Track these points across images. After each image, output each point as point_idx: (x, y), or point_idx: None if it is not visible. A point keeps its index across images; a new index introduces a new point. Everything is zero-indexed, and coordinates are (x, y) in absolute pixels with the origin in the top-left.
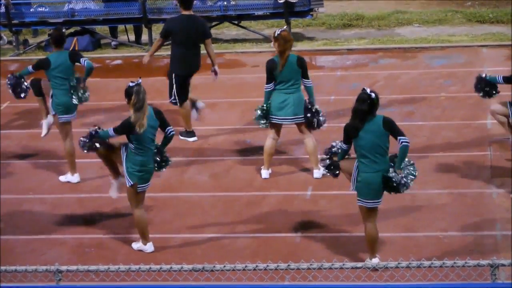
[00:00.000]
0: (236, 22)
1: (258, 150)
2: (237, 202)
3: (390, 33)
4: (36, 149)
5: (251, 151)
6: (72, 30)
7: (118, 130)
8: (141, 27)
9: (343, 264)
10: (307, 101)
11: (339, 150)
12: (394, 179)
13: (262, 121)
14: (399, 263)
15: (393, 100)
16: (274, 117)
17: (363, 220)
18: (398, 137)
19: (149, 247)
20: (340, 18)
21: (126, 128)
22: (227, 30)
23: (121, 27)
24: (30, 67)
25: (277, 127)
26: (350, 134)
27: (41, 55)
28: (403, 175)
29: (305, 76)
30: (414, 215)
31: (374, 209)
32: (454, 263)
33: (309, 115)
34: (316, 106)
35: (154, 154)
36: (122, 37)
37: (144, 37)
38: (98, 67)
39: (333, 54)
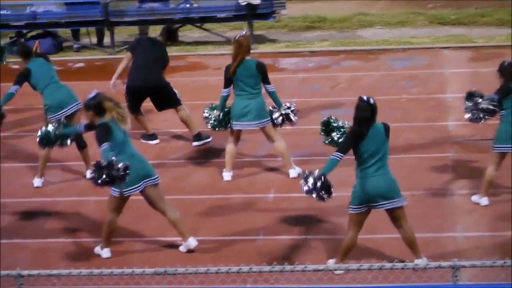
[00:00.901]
0: (198, 24)
1: (221, 152)
2: (200, 205)
3: (352, 35)
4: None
5: (213, 154)
6: (34, 33)
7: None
8: (103, 30)
9: (305, 267)
10: (271, 107)
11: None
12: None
13: (209, 122)
14: (360, 266)
15: (355, 102)
16: (237, 123)
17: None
18: None
19: (106, 253)
20: (303, 20)
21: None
22: (190, 33)
23: (83, 29)
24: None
25: (238, 132)
26: (356, 141)
27: None
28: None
29: (265, 81)
30: (376, 217)
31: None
32: (416, 265)
33: (276, 115)
34: (287, 105)
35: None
36: (85, 40)
37: (107, 40)
38: (60, 70)
39: (295, 56)
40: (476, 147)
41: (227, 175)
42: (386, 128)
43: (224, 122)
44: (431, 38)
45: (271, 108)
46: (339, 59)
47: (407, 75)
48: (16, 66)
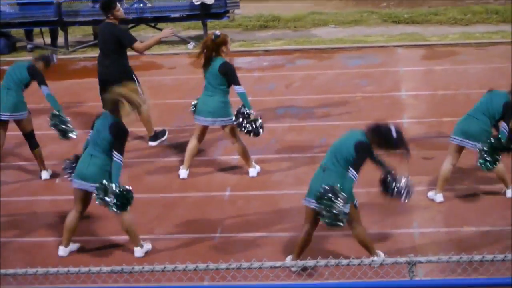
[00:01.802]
0: (152, 24)
1: (176, 152)
2: (156, 203)
3: (307, 34)
4: None
5: (169, 153)
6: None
7: None
8: (57, 30)
9: (262, 264)
10: (240, 106)
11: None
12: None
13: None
14: (317, 262)
15: (309, 101)
16: (196, 117)
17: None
18: None
19: (60, 251)
20: (257, 19)
21: None
22: (144, 33)
23: (36, 30)
24: None
25: (200, 128)
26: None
27: None
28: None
29: (232, 82)
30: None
31: None
32: (372, 261)
33: (240, 119)
34: (252, 112)
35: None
36: (38, 40)
37: (61, 40)
38: None
39: (250, 55)
40: (431, 144)
41: (183, 173)
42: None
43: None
44: (385, 36)
45: (240, 110)
46: (293, 58)
47: (362, 74)
48: None
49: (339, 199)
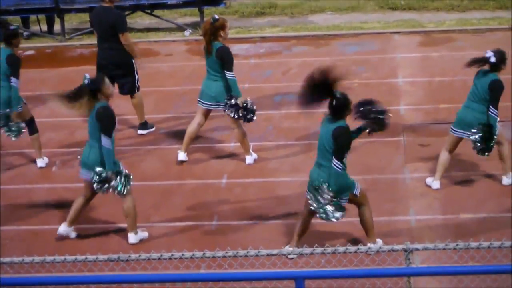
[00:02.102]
0: (149, 11)
1: (173, 139)
2: (152, 191)
3: (303, 21)
4: None
5: (165, 140)
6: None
7: None
8: (53, 17)
9: (259, 252)
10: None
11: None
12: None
13: None
14: (314, 250)
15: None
16: (198, 100)
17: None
18: None
19: (61, 228)
20: (253, 6)
21: None
22: (140, 20)
23: (33, 17)
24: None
25: (202, 111)
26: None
27: None
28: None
29: (225, 67)
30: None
31: None
32: (369, 248)
33: (229, 107)
34: (247, 101)
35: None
36: (34, 28)
37: (57, 27)
38: None
39: (246, 42)
40: (428, 131)
41: (181, 155)
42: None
43: None
44: (382, 23)
45: (227, 97)
46: (290, 45)
47: (359, 60)
48: None
49: (324, 198)
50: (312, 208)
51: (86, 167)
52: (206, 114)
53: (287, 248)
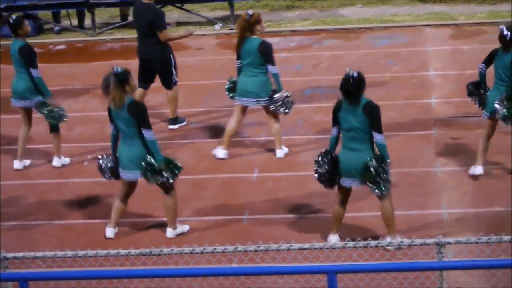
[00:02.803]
0: (179, 5)
1: (203, 133)
2: (183, 185)
3: (334, 14)
4: None
5: (196, 134)
6: (14, 16)
7: None
8: (84, 12)
9: (290, 246)
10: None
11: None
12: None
13: (228, 93)
14: (346, 243)
15: (337, 81)
16: (238, 98)
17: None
18: None
19: (107, 232)
20: None
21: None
22: (170, 13)
23: (63, 11)
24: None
25: (241, 108)
26: (335, 113)
27: None
28: None
29: (268, 61)
30: (360, 195)
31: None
32: (401, 242)
33: (274, 102)
34: (285, 93)
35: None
36: (65, 22)
37: (88, 22)
38: (41, 52)
39: (276, 36)
40: (459, 124)
41: (221, 153)
42: (367, 108)
43: None
44: (412, 16)
45: (270, 91)
46: (320, 38)
47: (389, 53)
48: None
49: (383, 168)
50: (377, 192)
51: (129, 167)
52: (244, 110)
53: (333, 238)
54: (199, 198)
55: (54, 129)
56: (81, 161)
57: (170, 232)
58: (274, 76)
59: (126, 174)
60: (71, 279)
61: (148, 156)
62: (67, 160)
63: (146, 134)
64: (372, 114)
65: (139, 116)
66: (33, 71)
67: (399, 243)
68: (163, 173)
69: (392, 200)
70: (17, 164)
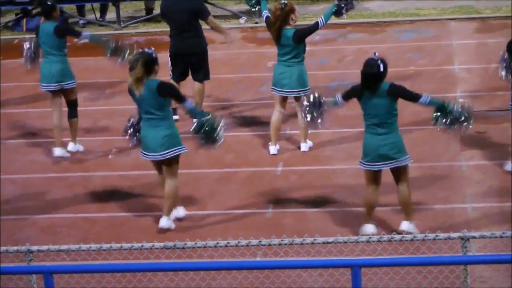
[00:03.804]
0: None
1: (228, 126)
2: (208, 179)
3: (359, 8)
4: (4, 128)
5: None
6: (39, 9)
7: None
8: (106, 5)
9: (314, 239)
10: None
11: None
12: None
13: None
14: (370, 237)
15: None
16: (274, 88)
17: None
18: None
19: (162, 223)
20: None
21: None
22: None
23: (88, 5)
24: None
25: (279, 100)
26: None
27: (8, 35)
28: None
29: (305, 51)
30: (384, 189)
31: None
32: (425, 236)
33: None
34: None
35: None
36: (90, 16)
37: (112, 15)
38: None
39: None
40: (484, 118)
41: (273, 149)
42: (392, 90)
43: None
44: (438, 9)
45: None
46: (345, 32)
47: (414, 47)
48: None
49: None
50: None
51: (159, 150)
52: (285, 101)
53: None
54: (224, 191)
55: (73, 115)
56: (106, 154)
57: (163, 221)
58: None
59: (155, 156)
60: (95, 272)
61: (198, 118)
62: (81, 148)
63: (185, 105)
64: (402, 92)
65: (171, 93)
66: (84, 35)
67: (423, 237)
68: (217, 129)
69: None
70: (58, 151)
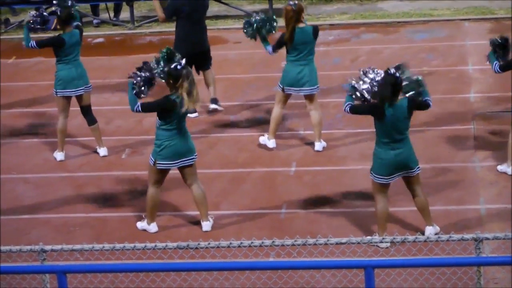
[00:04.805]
0: None
1: (241, 126)
2: (221, 178)
3: (372, 8)
4: (18, 128)
5: (234, 128)
6: (53, 8)
7: (151, 107)
8: (120, 4)
9: (328, 240)
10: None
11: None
12: None
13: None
14: (383, 238)
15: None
16: (290, 88)
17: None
18: None
19: (153, 227)
20: None
21: (167, 105)
22: (209, 7)
23: (102, 5)
24: (33, 43)
25: (285, 98)
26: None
27: (22, 34)
28: None
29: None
30: (397, 190)
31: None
32: (439, 237)
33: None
34: None
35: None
36: (104, 15)
37: (126, 15)
38: None
39: None
40: (498, 119)
41: (272, 143)
42: (412, 103)
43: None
44: (451, 10)
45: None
46: (359, 32)
47: (427, 48)
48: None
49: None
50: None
51: (187, 155)
52: (288, 98)
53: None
54: (237, 191)
55: (92, 122)
56: (119, 154)
57: (207, 225)
58: None
59: (184, 162)
60: (108, 272)
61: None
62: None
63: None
64: (419, 104)
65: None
66: None
67: (436, 238)
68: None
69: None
70: (61, 156)
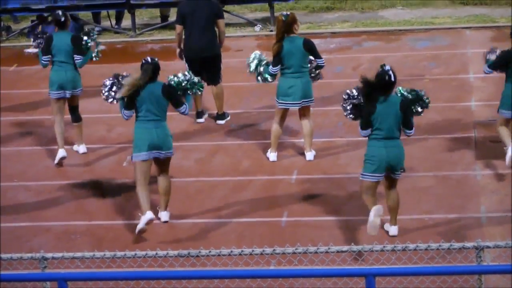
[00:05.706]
0: None
1: (243, 134)
2: (222, 186)
3: (374, 16)
4: (19, 135)
5: (235, 136)
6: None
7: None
8: (122, 12)
9: (329, 248)
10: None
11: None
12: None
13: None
14: (384, 247)
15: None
16: (282, 102)
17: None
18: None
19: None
20: (323, 1)
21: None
22: None
23: (104, 12)
24: (42, 58)
25: (283, 112)
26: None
27: (24, 42)
28: None
29: (317, 56)
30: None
31: None
32: (439, 246)
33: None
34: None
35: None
36: (105, 23)
37: (128, 23)
38: None
39: (316, 38)
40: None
41: (272, 156)
42: (404, 105)
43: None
44: (453, 18)
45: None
46: (360, 40)
47: (429, 56)
48: (29, 50)
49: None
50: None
51: (159, 147)
52: (286, 112)
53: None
54: (238, 199)
55: (77, 120)
56: (120, 162)
57: (165, 215)
58: (321, 67)
59: (161, 153)
60: (109, 280)
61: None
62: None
63: (184, 109)
64: (407, 109)
65: (174, 95)
66: (78, 57)
67: (437, 247)
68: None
69: None
70: (62, 153)
